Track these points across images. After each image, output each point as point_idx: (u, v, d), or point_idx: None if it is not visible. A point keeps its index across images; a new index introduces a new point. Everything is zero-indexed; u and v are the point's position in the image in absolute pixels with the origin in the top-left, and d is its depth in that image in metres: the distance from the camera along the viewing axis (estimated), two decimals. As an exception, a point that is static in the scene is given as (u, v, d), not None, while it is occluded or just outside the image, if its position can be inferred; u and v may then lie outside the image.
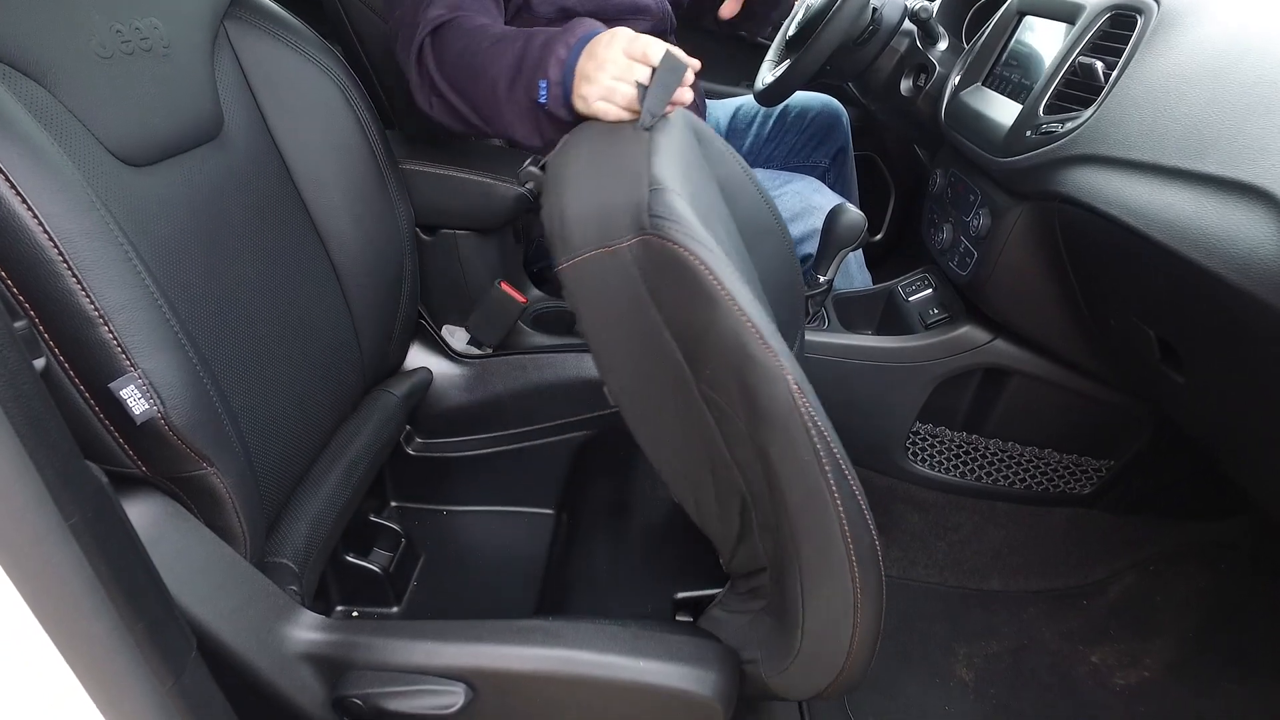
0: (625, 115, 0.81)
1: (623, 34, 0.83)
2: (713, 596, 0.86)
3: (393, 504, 1.23)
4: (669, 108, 0.81)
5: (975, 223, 1.13)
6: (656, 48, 0.79)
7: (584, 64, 0.84)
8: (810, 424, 0.61)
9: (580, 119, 0.88)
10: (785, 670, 0.71)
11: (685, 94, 0.81)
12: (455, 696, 0.71)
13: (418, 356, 1.23)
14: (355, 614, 1.04)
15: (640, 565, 0.92)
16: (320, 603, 1.02)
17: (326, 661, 0.74)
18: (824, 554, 0.63)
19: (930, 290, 1.31)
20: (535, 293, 1.43)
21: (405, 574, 1.09)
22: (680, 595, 0.86)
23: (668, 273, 0.64)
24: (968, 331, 1.21)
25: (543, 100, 0.90)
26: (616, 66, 0.80)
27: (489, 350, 1.28)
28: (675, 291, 0.64)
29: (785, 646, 0.70)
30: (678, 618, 0.85)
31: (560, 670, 0.71)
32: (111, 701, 0.46)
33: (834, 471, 0.61)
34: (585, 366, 1.24)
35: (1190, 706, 1.11)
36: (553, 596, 0.99)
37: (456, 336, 1.28)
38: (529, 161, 0.81)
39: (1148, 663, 1.16)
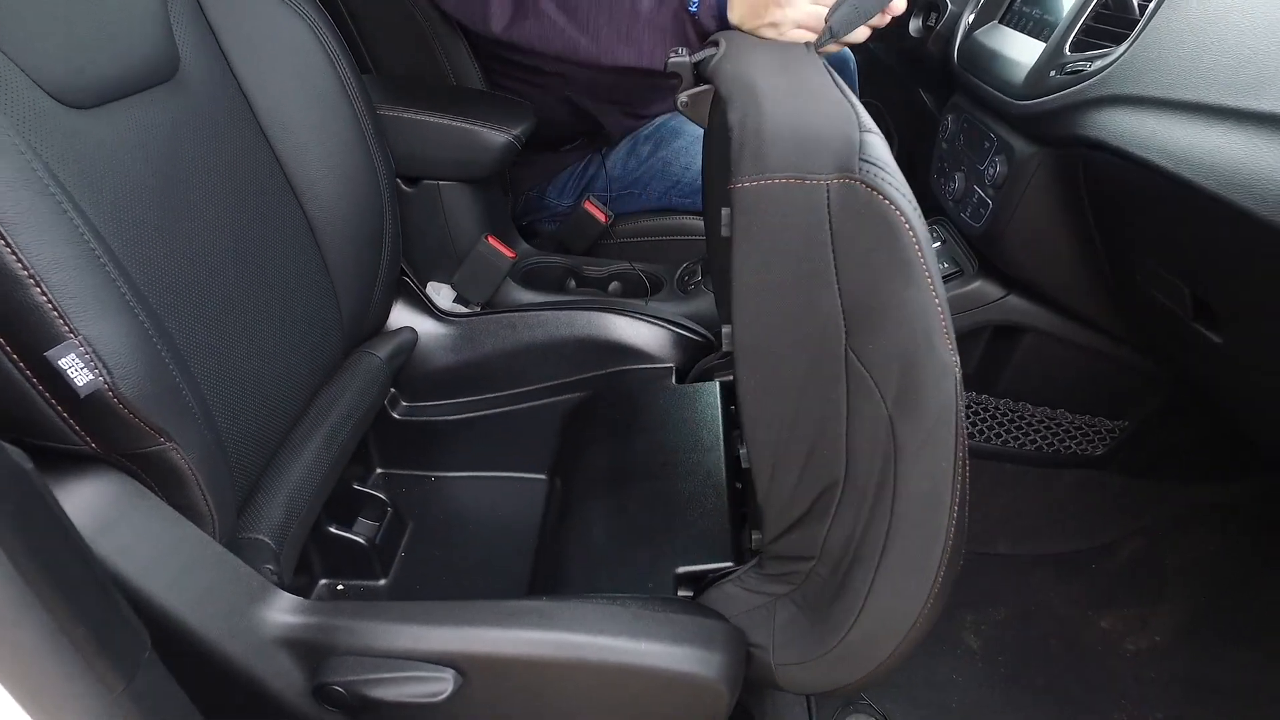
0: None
1: None
2: (717, 571, 0.81)
3: (378, 470, 1.17)
4: (865, 31, 0.76)
5: (991, 171, 1.06)
6: None
7: None
8: (960, 428, 0.57)
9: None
10: (807, 663, 0.67)
11: (885, 17, 0.77)
12: (444, 683, 0.67)
13: (401, 316, 1.16)
14: (340, 587, 1.00)
15: (639, 537, 0.87)
16: (303, 576, 0.98)
17: (306, 646, 0.69)
18: (917, 557, 0.60)
19: (939, 244, 1.25)
20: (525, 247, 1.37)
21: (392, 544, 1.05)
22: (682, 570, 0.81)
23: (867, 226, 0.58)
24: (980, 287, 1.15)
25: (694, 9, 0.87)
26: None
27: (476, 308, 1.22)
28: (869, 249, 0.58)
29: (816, 640, 0.66)
30: (679, 593, 0.80)
31: (555, 654, 0.67)
32: (51, 713, 0.40)
33: (962, 478, 0.58)
34: (578, 324, 1.18)
35: (1202, 672, 1.08)
36: (547, 568, 0.94)
37: (442, 294, 1.22)
38: (676, 51, 0.75)
39: (1157, 627, 1.13)
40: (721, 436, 1.00)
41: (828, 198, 0.58)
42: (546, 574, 0.94)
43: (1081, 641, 1.12)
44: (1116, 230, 0.89)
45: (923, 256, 0.58)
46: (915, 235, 0.58)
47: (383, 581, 1.01)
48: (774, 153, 0.59)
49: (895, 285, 0.58)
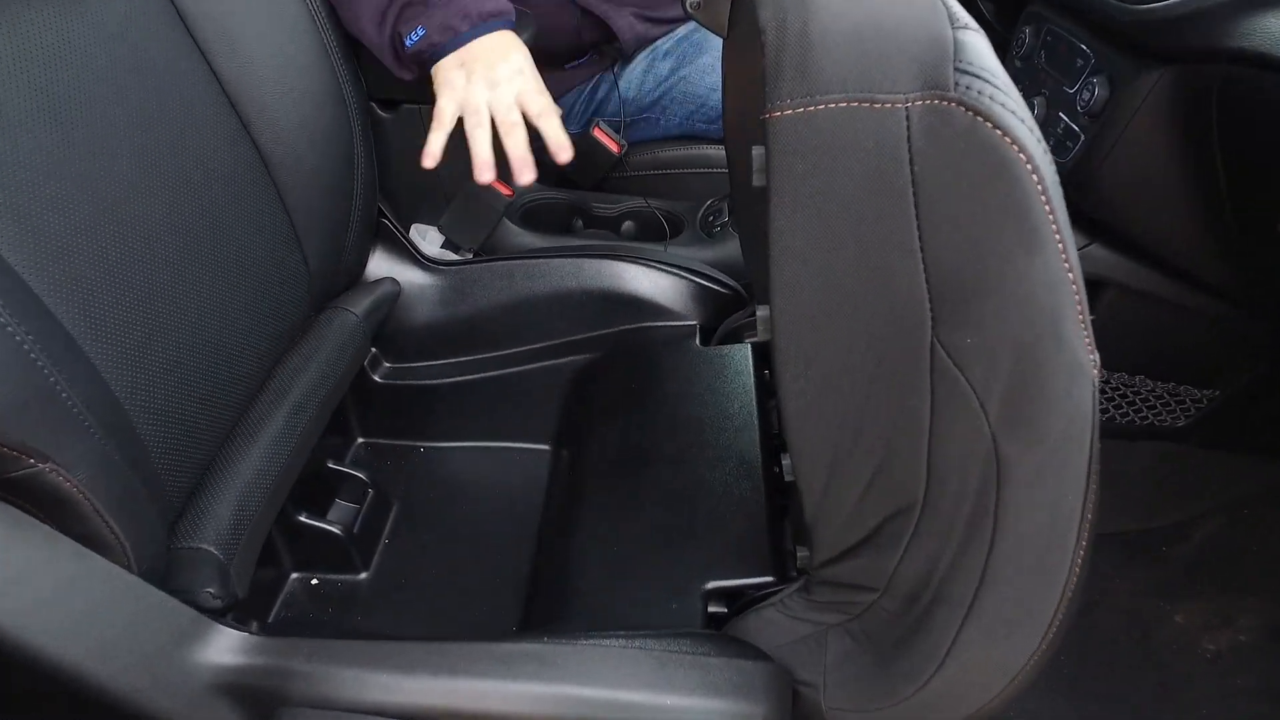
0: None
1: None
2: (756, 589, 0.67)
3: (359, 441, 1.03)
4: None
5: (1084, 95, 0.88)
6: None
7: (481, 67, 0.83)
8: (1095, 450, 0.44)
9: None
10: (871, 712, 0.54)
11: None
12: (422, 746, 0.54)
13: (381, 265, 1.00)
14: (315, 582, 0.87)
15: (660, 538, 0.73)
16: (270, 570, 0.84)
17: (252, 693, 0.56)
18: (1023, 604, 0.47)
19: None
20: (525, 182, 1.19)
21: (374, 531, 0.91)
22: (713, 585, 0.67)
23: (968, 166, 0.41)
24: (1057, 234, 0.98)
25: (409, 44, 0.85)
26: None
27: (469, 255, 1.06)
28: (971, 200, 0.42)
29: (884, 687, 0.53)
30: (710, 608, 0.67)
31: (562, 713, 0.54)
32: None
33: (1092, 511, 0.45)
34: (586, 274, 1.02)
35: (1294, 677, 0.95)
36: (551, 567, 0.81)
37: (428, 238, 1.06)
38: None
39: (1243, 624, 1.00)
40: (755, 412, 0.85)
41: (907, 127, 0.42)
42: (551, 572, 0.81)
43: (1153, 640, 1.00)
44: (1257, 168, 0.72)
45: (1051, 211, 0.42)
46: (1040, 180, 0.41)
47: (364, 575, 0.88)
48: (827, 64, 0.42)
49: (1010, 253, 0.42)
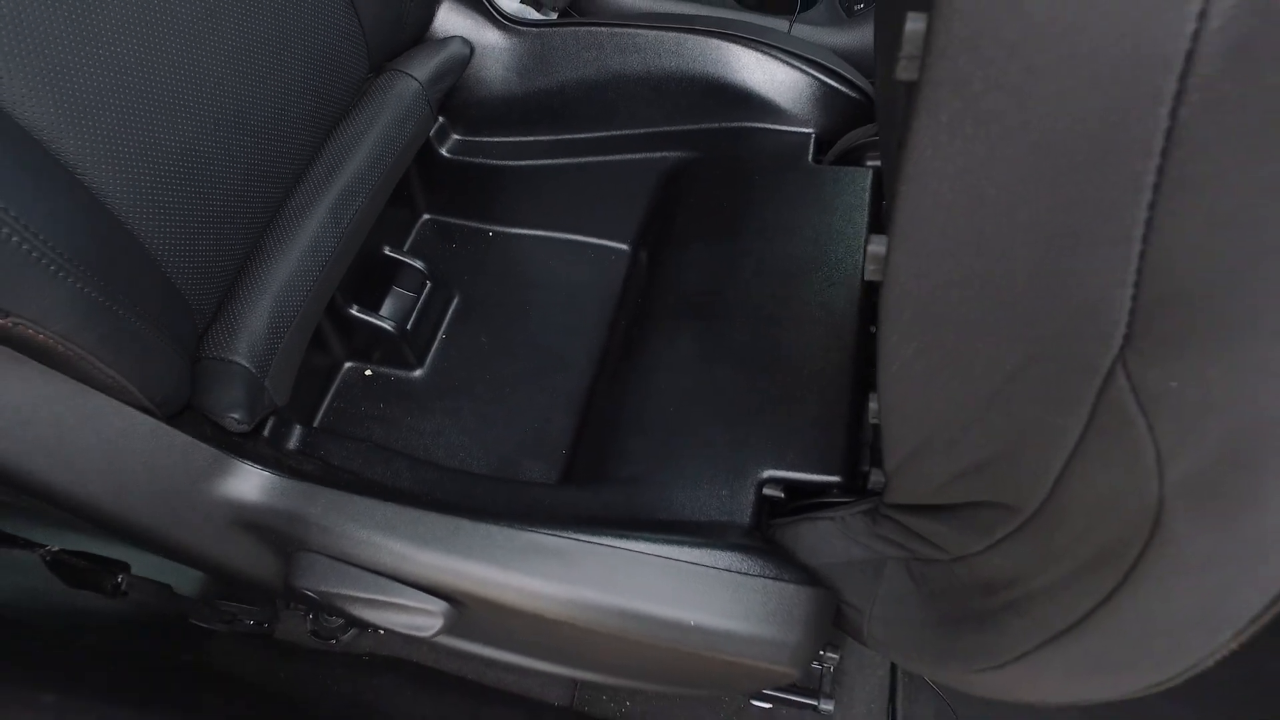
0: None
1: None
2: (818, 487, 0.60)
3: (425, 217, 0.96)
4: None
5: None
6: None
7: None
8: None
9: None
10: (916, 662, 0.49)
11: None
12: (431, 618, 0.52)
13: (449, 21, 0.86)
14: (369, 372, 0.84)
15: (727, 408, 0.65)
16: (324, 356, 0.82)
17: (272, 533, 0.55)
18: (1117, 669, 0.38)
19: None
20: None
21: (431, 324, 0.87)
22: (772, 474, 0.60)
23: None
24: None
25: None
26: None
27: (552, 13, 0.90)
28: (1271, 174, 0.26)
29: (933, 646, 0.48)
30: (765, 491, 0.61)
31: (578, 616, 0.50)
32: None
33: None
34: (688, 54, 0.85)
35: None
36: (608, 402, 0.75)
37: (507, -11, 0.89)
38: None
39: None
40: (862, 263, 0.73)
41: (1196, 30, 0.25)
42: (604, 417, 0.75)
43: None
44: None
45: None
46: None
47: (418, 372, 0.85)
48: None
49: None
